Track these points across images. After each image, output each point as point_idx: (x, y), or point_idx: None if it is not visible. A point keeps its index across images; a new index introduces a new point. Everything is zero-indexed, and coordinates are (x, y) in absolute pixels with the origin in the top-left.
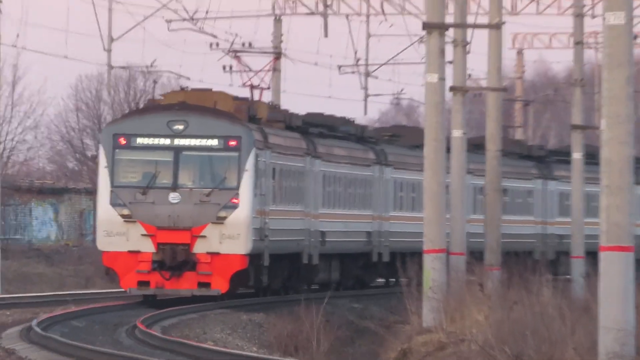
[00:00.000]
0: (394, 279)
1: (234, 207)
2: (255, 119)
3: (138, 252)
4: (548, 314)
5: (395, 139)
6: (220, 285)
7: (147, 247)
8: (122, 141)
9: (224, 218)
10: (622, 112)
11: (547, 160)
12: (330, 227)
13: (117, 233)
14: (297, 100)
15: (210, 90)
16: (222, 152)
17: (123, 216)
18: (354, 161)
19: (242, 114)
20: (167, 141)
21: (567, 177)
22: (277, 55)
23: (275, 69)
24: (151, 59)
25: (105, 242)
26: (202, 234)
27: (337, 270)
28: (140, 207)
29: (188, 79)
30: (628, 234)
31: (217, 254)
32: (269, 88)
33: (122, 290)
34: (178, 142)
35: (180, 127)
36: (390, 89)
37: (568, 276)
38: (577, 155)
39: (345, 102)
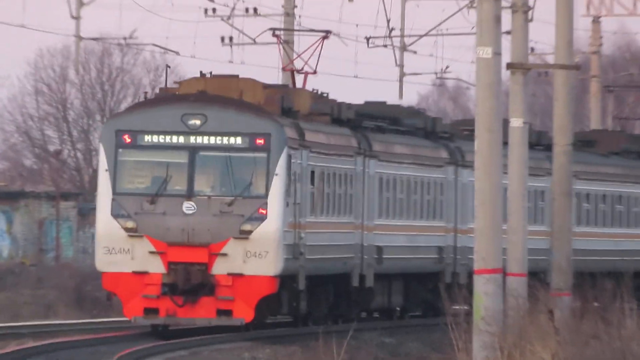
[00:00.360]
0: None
1: (262, 218)
2: (291, 112)
3: (145, 273)
4: (632, 352)
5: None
6: (244, 313)
7: (156, 267)
8: (127, 139)
9: (249, 232)
10: None
11: None
12: (390, 242)
13: (119, 250)
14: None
15: (236, 77)
16: (248, 152)
17: (127, 229)
18: (421, 161)
19: (274, 106)
20: (181, 139)
21: None
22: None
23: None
24: (130, 28)
25: (106, 262)
26: (222, 251)
27: (400, 293)
28: (148, 219)
29: (177, 53)
30: None
31: (241, 275)
32: (315, 72)
33: (96, 320)
34: (194, 140)
35: (197, 122)
36: (432, 66)
37: None
38: None
39: (374, 83)
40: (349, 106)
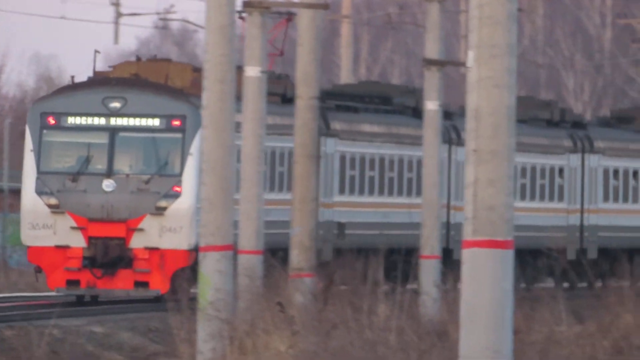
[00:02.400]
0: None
1: (176, 195)
2: None
3: (67, 247)
4: (385, 342)
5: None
6: (160, 285)
7: (78, 241)
8: (51, 121)
9: (164, 208)
10: (501, 41)
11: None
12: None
13: (43, 225)
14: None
15: (168, 61)
16: (164, 133)
17: (50, 206)
18: (397, 139)
19: (200, 89)
20: (102, 121)
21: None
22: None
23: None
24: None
25: (31, 236)
26: (139, 226)
27: None
28: (70, 196)
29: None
30: (507, 223)
31: (157, 249)
32: (282, 54)
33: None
34: (114, 121)
35: (118, 104)
36: (154, 5)
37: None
38: (432, 105)
39: (82, 25)
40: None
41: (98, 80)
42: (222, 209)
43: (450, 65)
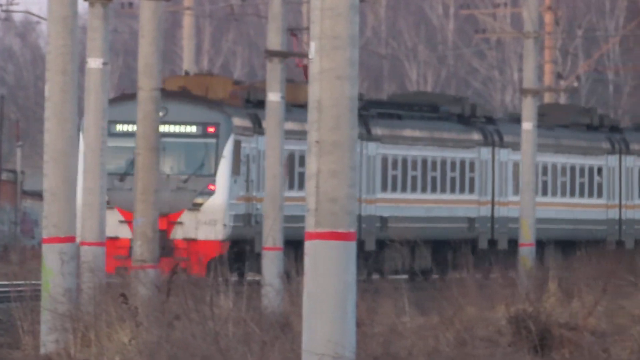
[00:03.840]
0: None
1: (210, 193)
2: (259, 103)
3: (116, 238)
4: (226, 334)
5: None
6: (197, 271)
7: (125, 233)
8: None
9: (200, 204)
10: (343, 32)
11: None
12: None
13: None
14: None
15: (210, 75)
16: (200, 138)
17: None
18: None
19: (237, 100)
20: None
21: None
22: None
23: None
24: None
25: None
26: (178, 220)
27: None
28: (118, 194)
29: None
30: (349, 214)
31: (194, 240)
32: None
33: None
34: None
35: (160, 113)
36: None
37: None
38: (274, 97)
39: None
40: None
41: None
42: (64, 200)
43: (292, 56)
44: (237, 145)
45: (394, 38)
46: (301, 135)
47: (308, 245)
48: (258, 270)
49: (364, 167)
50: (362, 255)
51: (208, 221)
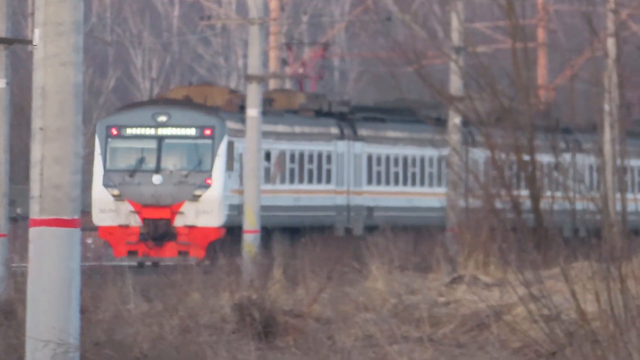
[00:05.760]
0: None
1: (208, 186)
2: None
3: (127, 226)
4: None
5: None
6: (197, 254)
7: (135, 221)
8: (114, 132)
9: (199, 196)
10: (67, 18)
11: None
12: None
13: (109, 210)
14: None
15: (210, 85)
16: (199, 139)
17: (114, 195)
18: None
19: (232, 106)
20: (152, 131)
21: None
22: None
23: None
24: None
25: (100, 218)
26: (180, 210)
27: None
28: (128, 188)
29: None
30: (73, 201)
31: (194, 226)
32: (321, 78)
33: None
34: (161, 131)
35: (164, 118)
36: None
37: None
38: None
39: None
40: (344, 102)
41: (149, 101)
42: None
43: (17, 43)
44: (230, 145)
45: (119, 25)
46: (292, 136)
47: (32, 232)
48: None
49: (352, 163)
50: (352, 239)
51: (206, 210)
